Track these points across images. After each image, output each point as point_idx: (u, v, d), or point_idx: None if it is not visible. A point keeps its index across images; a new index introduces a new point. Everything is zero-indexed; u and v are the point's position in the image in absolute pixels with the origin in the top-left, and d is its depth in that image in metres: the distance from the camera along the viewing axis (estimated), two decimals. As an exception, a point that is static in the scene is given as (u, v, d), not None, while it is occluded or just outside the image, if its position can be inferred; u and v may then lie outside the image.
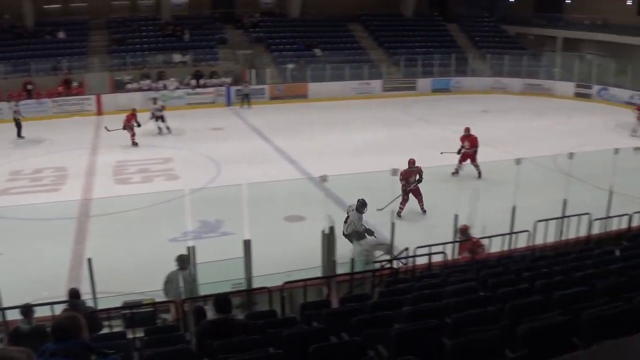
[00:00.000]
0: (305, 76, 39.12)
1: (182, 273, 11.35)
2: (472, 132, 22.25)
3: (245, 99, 36.03)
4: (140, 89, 35.11)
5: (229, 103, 36.25)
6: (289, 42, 42.64)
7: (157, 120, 29.32)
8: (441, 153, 20.42)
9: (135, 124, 27.01)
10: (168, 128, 29.50)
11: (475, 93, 40.68)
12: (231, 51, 40.53)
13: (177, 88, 35.55)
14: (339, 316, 8.15)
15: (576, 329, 6.56)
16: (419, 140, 27.68)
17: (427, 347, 6.57)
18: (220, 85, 36.73)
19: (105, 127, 27.24)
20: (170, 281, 11.32)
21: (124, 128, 26.97)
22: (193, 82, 36.09)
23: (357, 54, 42.63)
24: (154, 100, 31.02)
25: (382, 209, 16.53)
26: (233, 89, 36.74)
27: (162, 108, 29.80)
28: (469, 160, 21.65)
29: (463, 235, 14.03)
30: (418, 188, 18.50)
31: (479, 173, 21.46)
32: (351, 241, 14.84)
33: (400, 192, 17.99)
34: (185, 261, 11.49)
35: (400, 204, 18.27)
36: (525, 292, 8.48)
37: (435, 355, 6.39)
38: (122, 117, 27.33)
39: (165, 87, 35.11)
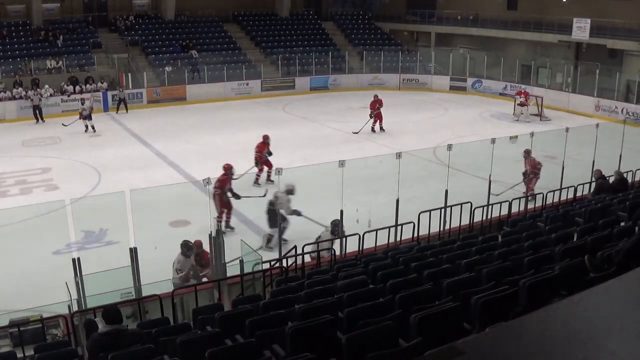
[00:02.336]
0: (183, 78, 38.69)
1: None
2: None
3: (121, 103, 35.31)
4: (13, 98, 33.77)
5: (106, 109, 35.40)
6: (165, 45, 42.08)
7: (84, 120, 30.08)
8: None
9: (266, 155, 21.68)
10: (93, 127, 30.11)
11: (354, 90, 41.30)
12: (106, 55, 39.64)
13: (52, 95, 34.39)
14: (232, 319, 8.14)
15: (466, 314, 6.81)
16: (300, 139, 27.91)
17: (323, 343, 6.67)
18: (97, 91, 35.78)
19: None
20: None
21: (257, 164, 21.50)
22: (69, 88, 34.98)
23: (235, 55, 42.51)
24: (82, 100, 31.07)
25: (357, 132, 28.26)
26: (110, 94, 35.89)
27: (91, 109, 30.84)
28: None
29: (198, 249, 13.30)
30: (380, 112, 28.94)
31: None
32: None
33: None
34: None
35: (372, 124, 29.03)
36: (414, 282, 8.71)
37: (331, 350, 6.49)
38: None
39: (40, 95, 33.91)
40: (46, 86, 34.35)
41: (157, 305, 10.50)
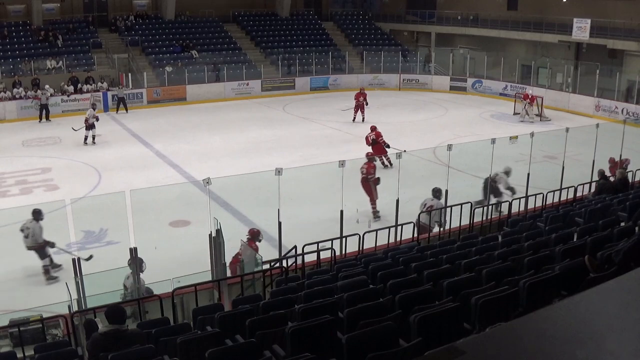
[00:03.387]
0: (183, 78, 38.66)
1: None
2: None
3: (121, 103, 35.28)
4: (13, 98, 33.74)
5: (106, 109, 35.38)
6: (165, 45, 42.09)
7: (87, 129, 27.76)
8: None
9: (385, 146, 23.07)
10: (94, 138, 27.88)
11: (354, 90, 41.15)
12: (106, 55, 39.65)
13: (53, 95, 34.33)
14: (232, 319, 8.13)
15: (466, 314, 6.80)
16: (301, 139, 27.92)
17: (323, 343, 6.67)
18: (97, 91, 35.73)
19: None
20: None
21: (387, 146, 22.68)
22: (70, 88, 34.93)
23: (235, 55, 42.50)
24: (94, 106, 29.87)
25: (345, 110, 31.74)
26: (110, 94, 35.85)
27: (97, 119, 28.28)
28: None
29: (253, 237, 13.85)
30: (362, 104, 31.93)
31: None
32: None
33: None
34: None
35: (354, 114, 32.09)
36: (414, 282, 8.70)
37: (331, 350, 6.49)
38: None
39: (40, 95, 33.85)
40: (47, 86, 34.29)
41: (157, 305, 10.50)
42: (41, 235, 14.72)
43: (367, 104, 32.45)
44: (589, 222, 11.74)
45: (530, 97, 32.77)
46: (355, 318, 7.01)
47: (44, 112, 32.98)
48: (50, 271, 14.64)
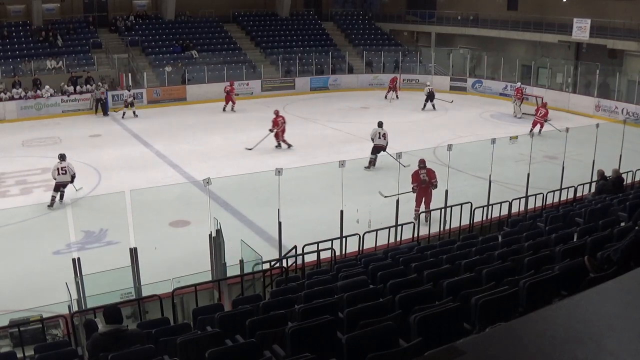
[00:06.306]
0: (183, 78, 38.64)
1: None
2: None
3: (99, 105, 34.78)
4: (12, 98, 33.69)
5: (106, 109, 35.29)
6: (165, 45, 42.07)
7: (126, 107, 33.48)
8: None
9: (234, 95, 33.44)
10: (134, 112, 33.49)
11: (354, 90, 41.30)
12: (106, 55, 39.61)
13: (52, 95, 34.30)
14: (232, 319, 8.14)
15: (466, 314, 6.80)
16: (300, 139, 27.89)
17: (323, 343, 6.67)
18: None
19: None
20: None
21: None
22: (70, 88, 34.85)
23: (235, 55, 42.48)
24: (129, 87, 34.75)
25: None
26: (110, 94, 35.71)
27: (134, 97, 34.15)
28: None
29: (421, 163, 16.92)
30: (395, 87, 38.15)
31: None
32: None
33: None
34: None
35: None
36: (414, 282, 8.70)
37: (331, 350, 6.49)
38: None
39: (40, 95, 33.85)
40: (47, 86, 34.27)
41: (157, 306, 10.51)
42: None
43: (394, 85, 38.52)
44: (589, 222, 11.75)
45: (517, 89, 33.34)
46: (355, 318, 7.01)
47: (99, 105, 34.56)
48: None
